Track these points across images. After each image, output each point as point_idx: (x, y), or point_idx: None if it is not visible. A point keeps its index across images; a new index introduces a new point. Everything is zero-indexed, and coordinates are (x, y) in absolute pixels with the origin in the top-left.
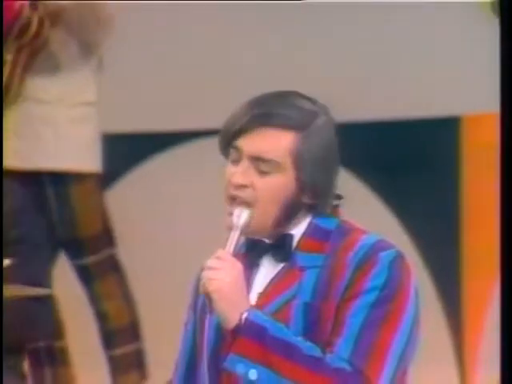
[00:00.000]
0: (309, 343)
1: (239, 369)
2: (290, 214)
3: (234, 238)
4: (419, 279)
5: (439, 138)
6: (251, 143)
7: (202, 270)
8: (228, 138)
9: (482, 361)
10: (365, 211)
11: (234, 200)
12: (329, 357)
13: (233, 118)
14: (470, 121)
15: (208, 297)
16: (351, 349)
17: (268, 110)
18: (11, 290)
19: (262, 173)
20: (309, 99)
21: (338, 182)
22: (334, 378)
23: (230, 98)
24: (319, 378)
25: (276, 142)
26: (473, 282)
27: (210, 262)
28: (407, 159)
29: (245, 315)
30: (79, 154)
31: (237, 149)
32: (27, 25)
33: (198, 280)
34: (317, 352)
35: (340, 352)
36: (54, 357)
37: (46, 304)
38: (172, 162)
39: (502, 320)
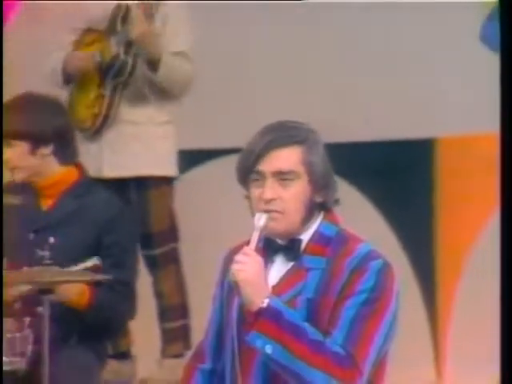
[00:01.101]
0: (313, 329)
1: (258, 343)
2: (308, 215)
3: (256, 237)
4: (398, 261)
5: (415, 157)
6: (271, 163)
7: (229, 250)
8: (247, 168)
9: (455, 332)
10: (347, 205)
11: (267, 211)
12: (328, 341)
13: (247, 152)
14: (443, 142)
15: (236, 284)
16: (344, 337)
17: (275, 136)
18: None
19: (285, 184)
20: (298, 123)
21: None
22: (332, 358)
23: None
24: (320, 358)
25: (289, 157)
26: (445, 259)
27: (238, 257)
28: (387, 172)
29: (266, 301)
30: (163, 162)
31: (259, 172)
32: (123, 67)
33: (225, 260)
34: (320, 337)
35: (335, 339)
36: (118, 330)
37: (129, 292)
38: (216, 172)
39: (502, 319)
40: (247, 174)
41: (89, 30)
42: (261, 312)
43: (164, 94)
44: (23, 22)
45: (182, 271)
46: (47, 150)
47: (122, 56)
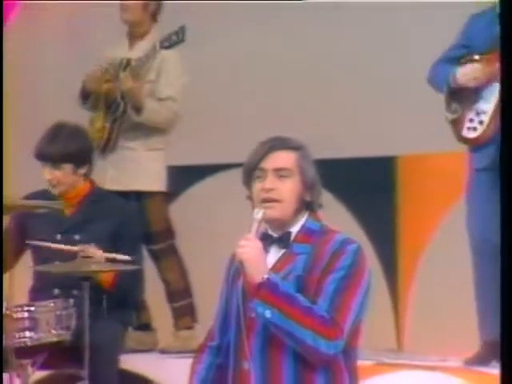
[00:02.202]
0: (304, 297)
1: (259, 310)
2: (299, 207)
3: (255, 227)
4: (364, 245)
5: (380, 171)
6: (271, 162)
7: (232, 256)
8: (253, 166)
9: (413, 308)
10: (325, 208)
11: (266, 200)
12: (315, 307)
13: (253, 155)
14: (404, 159)
15: (241, 263)
16: (328, 305)
17: (275, 142)
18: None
19: (282, 179)
20: (291, 138)
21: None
22: (318, 320)
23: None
24: (309, 320)
25: (286, 157)
26: (405, 251)
27: (241, 242)
28: (358, 183)
29: (266, 276)
30: (153, 179)
31: (262, 169)
32: (118, 108)
33: (229, 262)
34: (308, 303)
35: (320, 306)
36: (140, 305)
37: (139, 274)
38: (214, 185)
39: (502, 318)
40: (252, 171)
41: (106, 71)
42: (261, 285)
43: (151, 129)
44: (23, 22)
45: (182, 261)
46: (83, 170)
47: (118, 99)
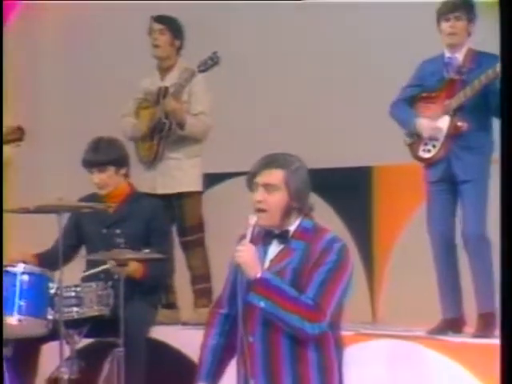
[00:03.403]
0: (292, 289)
1: (255, 301)
2: (286, 213)
3: (249, 232)
4: (344, 237)
5: (357, 179)
6: (262, 178)
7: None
8: (249, 180)
9: (386, 285)
10: (316, 209)
11: (257, 210)
12: (302, 296)
13: (251, 170)
14: (379, 169)
15: (239, 266)
16: (314, 293)
17: (266, 161)
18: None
19: (270, 193)
20: (288, 154)
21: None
22: (304, 307)
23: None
24: (296, 307)
25: (276, 175)
26: (380, 238)
27: (238, 247)
28: (340, 188)
29: (259, 274)
30: (193, 182)
31: (254, 183)
32: (164, 126)
33: (232, 258)
34: (296, 294)
35: (308, 295)
36: (168, 288)
37: (168, 263)
38: (224, 191)
39: (502, 316)
40: (250, 183)
41: (144, 99)
42: (255, 281)
43: (191, 139)
44: (23, 22)
45: (207, 252)
46: (124, 171)
47: (163, 119)
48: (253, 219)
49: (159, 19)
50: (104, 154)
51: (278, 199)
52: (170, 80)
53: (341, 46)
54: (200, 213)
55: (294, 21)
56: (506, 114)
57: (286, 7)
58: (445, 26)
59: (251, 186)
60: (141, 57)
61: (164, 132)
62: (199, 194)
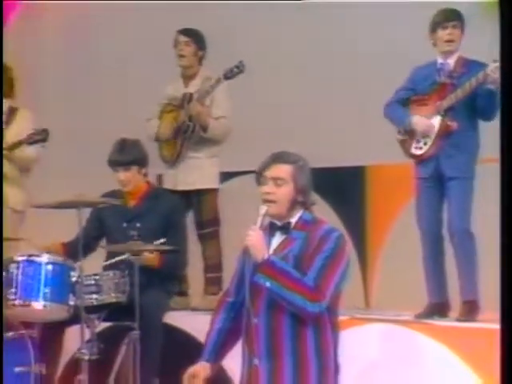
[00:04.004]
0: (295, 271)
1: (261, 281)
2: (292, 206)
3: (259, 220)
4: (338, 226)
5: (352, 177)
6: (272, 172)
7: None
8: (259, 173)
9: (378, 273)
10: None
11: (265, 201)
12: (305, 279)
13: (262, 164)
14: (372, 168)
15: (247, 249)
16: (314, 277)
17: (276, 157)
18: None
19: (278, 186)
20: (294, 153)
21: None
22: (306, 288)
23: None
24: (299, 287)
25: (284, 169)
26: (373, 230)
27: (248, 232)
28: (335, 185)
29: (266, 256)
30: (212, 179)
31: (264, 176)
32: (188, 128)
33: (241, 251)
34: (299, 275)
35: (309, 277)
36: (181, 278)
37: (182, 255)
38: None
39: (502, 315)
40: (259, 177)
41: (168, 104)
42: (262, 263)
43: (212, 141)
44: (23, 22)
45: (221, 244)
46: (145, 170)
47: (187, 122)
48: (263, 209)
49: (185, 32)
50: (129, 155)
51: (285, 192)
52: (193, 87)
53: (341, 46)
54: (216, 208)
55: (294, 21)
56: (506, 114)
57: (286, 7)
58: (442, 33)
59: (260, 179)
60: (141, 56)
61: (187, 133)
62: (216, 190)
